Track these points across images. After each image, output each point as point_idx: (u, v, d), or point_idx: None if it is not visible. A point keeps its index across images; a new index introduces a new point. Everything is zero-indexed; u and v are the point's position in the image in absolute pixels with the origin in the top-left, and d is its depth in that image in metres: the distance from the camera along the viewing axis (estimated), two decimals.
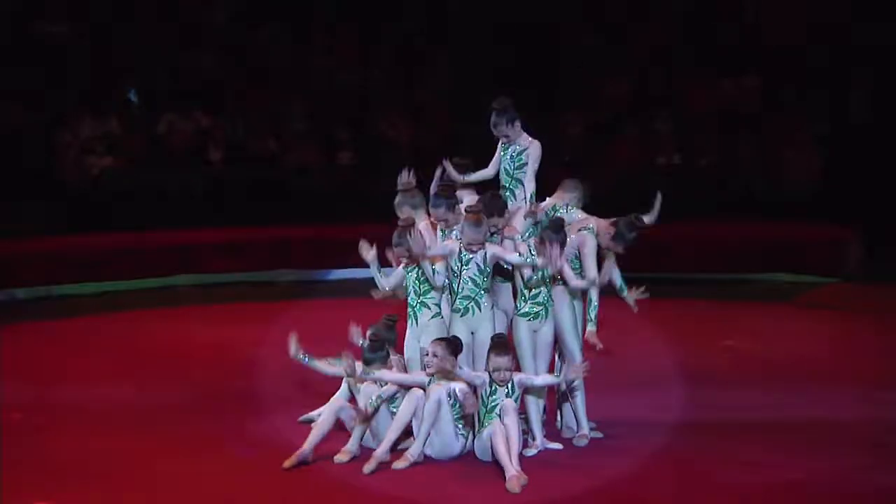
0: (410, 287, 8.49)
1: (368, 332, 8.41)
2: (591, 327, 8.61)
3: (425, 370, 8.21)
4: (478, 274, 8.36)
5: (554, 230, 8.33)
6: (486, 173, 8.87)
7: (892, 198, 16.43)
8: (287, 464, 7.93)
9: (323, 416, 8.27)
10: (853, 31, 18.29)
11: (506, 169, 8.80)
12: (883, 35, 17.75)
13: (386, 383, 8.28)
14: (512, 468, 7.71)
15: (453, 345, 8.19)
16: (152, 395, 10.04)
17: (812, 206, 16.87)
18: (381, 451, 8.00)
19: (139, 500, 7.49)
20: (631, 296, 8.80)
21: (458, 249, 8.36)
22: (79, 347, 12.18)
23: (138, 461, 8.20)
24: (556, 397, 8.91)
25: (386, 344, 8.36)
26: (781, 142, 18.08)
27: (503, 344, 8.22)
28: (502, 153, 8.79)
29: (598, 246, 8.65)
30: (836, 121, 18.12)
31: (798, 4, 19.33)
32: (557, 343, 8.70)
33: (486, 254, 8.34)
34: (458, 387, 8.10)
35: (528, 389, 8.30)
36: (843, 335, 12.76)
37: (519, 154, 8.74)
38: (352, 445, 8.15)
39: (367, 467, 7.87)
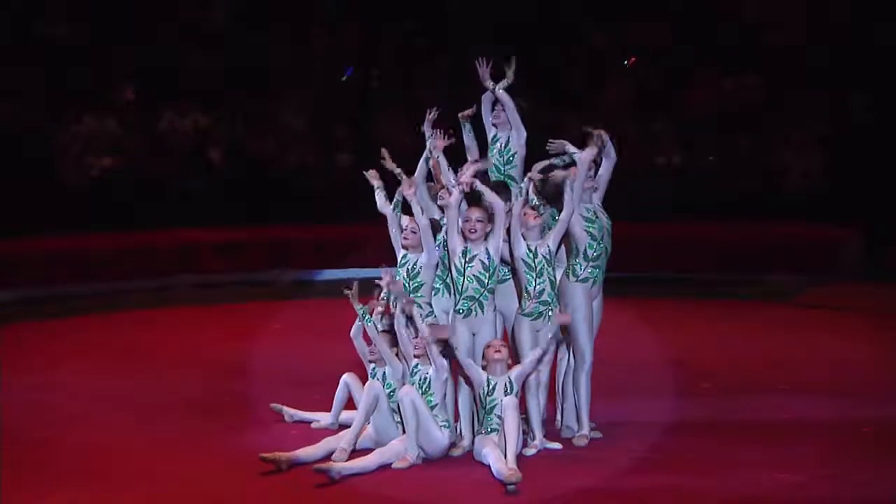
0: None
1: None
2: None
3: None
4: (483, 272, 8.32)
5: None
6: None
7: (892, 198, 16.44)
8: (263, 455, 7.91)
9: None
10: (853, 31, 18.30)
11: (496, 166, 8.83)
12: (883, 35, 17.76)
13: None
14: (504, 465, 7.72)
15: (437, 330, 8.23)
16: (151, 395, 10.05)
17: (812, 207, 16.88)
18: (347, 441, 8.05)
19: (139, 500, 7.49)
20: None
21: (460, 246, 8.35)
22: (78, 347, 12.19)
23: (138, 461, 8.20)
24: (555, 397, 8.91)
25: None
26: (781, 142, 18.09)
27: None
28: (490, 146, 8.82)
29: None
30: (837, 121, 18.13)
31: (798, 4, 19.34)
32: (564, 339, 8.70)
33: (487, 249, 8.33)
34: (430, 370, 8.12)
35: (526, 383, 8.30)
36: (843, 335, 12.75)
37: (506, 146, 8.80)
38: (347, 444, 8.15)
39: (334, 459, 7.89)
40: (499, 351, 8.17)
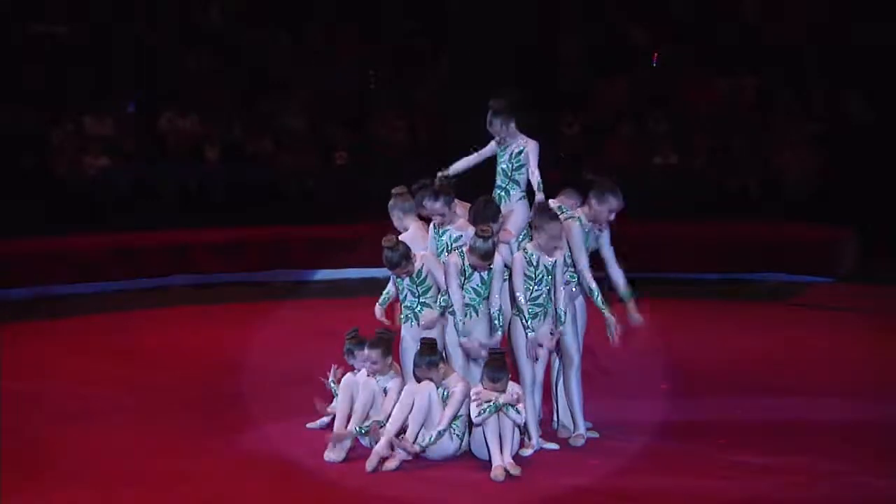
0: (406, 290, 8.48)
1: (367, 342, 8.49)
2: (606, 314, 8.54)
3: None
4: (480, 285, 8.41)
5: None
6: (470, 161, 8.87)
7: (889, 198, 16.44)
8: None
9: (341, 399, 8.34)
10: (853, 31, 18.30)
11: (503, 169, 8.81)
12: (883, 35, 17.76)
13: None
14: (500, 459, 7.74)
15: (431, 354, 8.17)
16: (150, 395, 10.05)
17: (810, 207, 16.88)
18: (381, 445, 7.99)
19: (138, 500, 7.51)
20: (632, 309, 8.73)
21: (460, 262, 8.38)
22: (77, 347, 12.18)
23: (137, 461, 8.22)
24: (552, 397, 8.92)
25: (390, 347, 8.41)
26: (779, 142, 18.09)
27: (499, 362, 8.18)
28: (499, 153, 8.81)
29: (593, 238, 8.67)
30: (835, 121, 18.13)
31: (798, 4, 19.34)
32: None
33: (492, 265, 8.37)
34: (459, 385, 8.12)
35: (521, 383, 8.31)
36: (840, 335, 12.76)
37: (517, 155, 8.76)
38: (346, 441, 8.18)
39: (369, 463, 7.88)
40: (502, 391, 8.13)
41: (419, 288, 8.46)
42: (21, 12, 18.26)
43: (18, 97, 17.36)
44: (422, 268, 8.42)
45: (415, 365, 8.21)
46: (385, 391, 8.32)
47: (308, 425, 8.90)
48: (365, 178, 17.12)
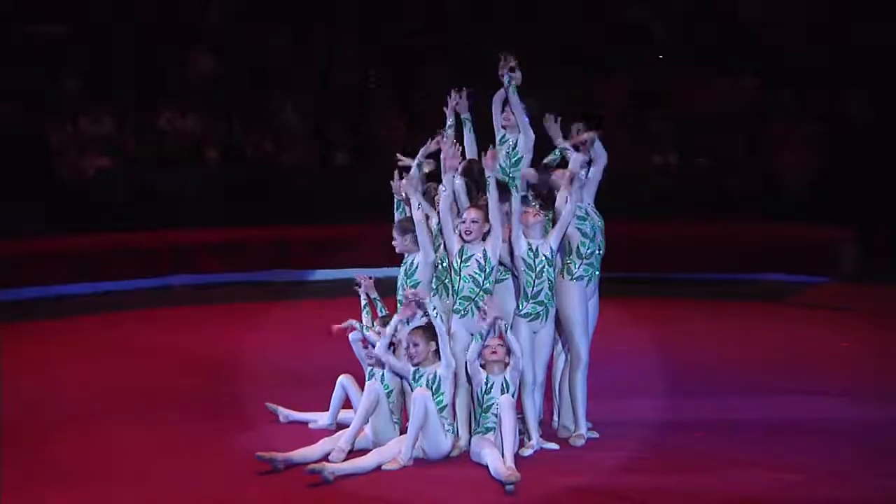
0: (399, 284, 8.49)
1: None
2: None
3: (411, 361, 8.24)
4: (478, 272, 8.32)
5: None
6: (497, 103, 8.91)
7: (889, 198, 16.46)
8: (260, 454, 7.89)
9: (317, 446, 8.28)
10: (853, 31, 18.32)
11: (502, 168, 8.83)
12: (883, 35, 17.78)
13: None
14: (502, 465, 7.73)
15: (430, 330, 8.20)
16: (150, 395, 10.06)
17: (809, 207, 16.90)
18: (344, 440, 8.05)
19: (138, 500, 7.51)
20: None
21: (457, 246, 8.37)
22: (77, 347, 12.20)
23: (138, 461, 8.22)
24: (552, 397, 8.93)
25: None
26: (779, 142, 18.10)
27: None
28: (497, 148, 8.85)
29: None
30: (835, 121, 18.15)
31: (798, 4, 19.37)
32: (560, 338, 8.71)
33: (485, 250, 8.33)
34: (439, 369, 8.12)
35: (522, 383, 8.31)
36: (840, 335, 12.77)
37: (514, 148, 8.81)
38: (345, 444, 8.17)
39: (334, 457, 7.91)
40: (495, 352, 8.17)
41: (409, 282, 8.43)
42: (21, 12, 18.27)
43: (18, 97, 17.37)
44: (414, 259, 8.41)
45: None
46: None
47: (310, 426, 8.91)
48: (365, 178, 17.13)
